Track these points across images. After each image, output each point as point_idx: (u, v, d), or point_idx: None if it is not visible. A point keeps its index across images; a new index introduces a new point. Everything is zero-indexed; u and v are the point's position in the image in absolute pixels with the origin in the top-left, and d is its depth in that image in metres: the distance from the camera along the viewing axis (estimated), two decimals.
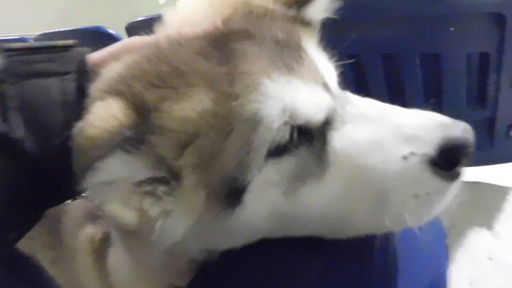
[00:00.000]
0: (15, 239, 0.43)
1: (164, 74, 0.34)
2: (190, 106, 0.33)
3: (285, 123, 0.34)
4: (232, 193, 0.34)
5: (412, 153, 0.34)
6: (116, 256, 0.54)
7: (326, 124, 0.36)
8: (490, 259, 1.19)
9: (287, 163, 0.35)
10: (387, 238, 0.39)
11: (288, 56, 0.37)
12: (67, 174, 0.33)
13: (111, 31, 1.58)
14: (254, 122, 0.33)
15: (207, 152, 0.33)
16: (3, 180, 0.36)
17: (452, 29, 0.86)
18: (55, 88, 0.38)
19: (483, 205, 1.32)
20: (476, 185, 1.36)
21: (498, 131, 1.06)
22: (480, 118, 1.07)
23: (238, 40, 0.37)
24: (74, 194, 0.46)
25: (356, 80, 0.99)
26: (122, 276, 0.52)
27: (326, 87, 0.38)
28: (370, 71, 1.06)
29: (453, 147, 0.34)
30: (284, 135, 0.34)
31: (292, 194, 0.36)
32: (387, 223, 0.35)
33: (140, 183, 0.35)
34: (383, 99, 0.39)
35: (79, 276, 0.60)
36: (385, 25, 0.93)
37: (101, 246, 0.56)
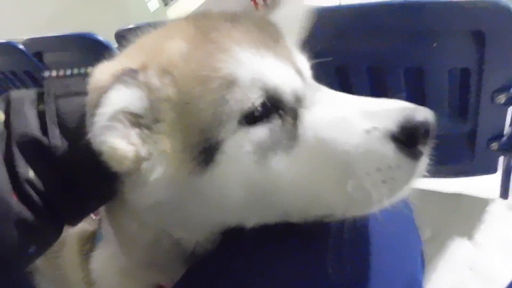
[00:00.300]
0: (35, 255, 0.46)
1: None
2: (174, 48, 0.40)
3: (258, 89, 0.38)
4: (206, 150, 0.37)
5: (375, 128, 0.37)
6: (100, 261, 0.55)
7: (297, 102, 0.40)
8: (470, 269, 1.21)
9: (259, 132, 0.38)
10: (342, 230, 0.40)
11: (266, 36, 0.42)
12: (92, 179, 0.40)
13: (100, 38, 1.58)
14: (229, 81, 0.37)
15: (185, 94, 0.38)
16: (38, 187, 0.42)
17: (435, 44, 0.89)
18: (83, 103, 0.44)
19: (464, 216, 1.35)
20: (457, 197, 1.39)
21: (478, 144, 1.09)
22: (461, 131, 1.11)
23: (219, 21, 0.43)
24: (94, 207, 0.50)
25: (343, 91, 1.01)
26: (106, 281, 0.53)
27: (298, 72, 0.42)
28: (356, 83, 1.09)
29: (414, 126, 0.37)
30: (256, 102, 0.37)
31: (264, 164, 0.38)
32: (354, 197, 0.37)
33: (135, 116, 0.39)
34: None
35: (64, 268, 0.61)
36: (371, 39, 0.96)
37: (87, 247, 0.58)
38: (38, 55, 1.95)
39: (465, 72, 0.95)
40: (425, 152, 0.38)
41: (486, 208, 1.34)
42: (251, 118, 0.38)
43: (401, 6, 0.90)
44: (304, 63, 0.45)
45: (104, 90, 0.37)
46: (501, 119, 1.03)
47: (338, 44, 0.95)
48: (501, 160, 1.13)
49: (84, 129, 0.37)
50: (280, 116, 0.39)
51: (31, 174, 0.42)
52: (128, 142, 0.39)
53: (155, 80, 0.39)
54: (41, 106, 0.45)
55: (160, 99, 0.39)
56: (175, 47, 0.41)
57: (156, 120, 0.39)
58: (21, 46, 1.97)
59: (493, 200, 1.34)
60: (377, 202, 0.37)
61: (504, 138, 1.05)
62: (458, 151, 1.15)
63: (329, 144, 0.38)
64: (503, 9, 0.83)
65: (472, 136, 1.08)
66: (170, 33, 0.44)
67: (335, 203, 0.39)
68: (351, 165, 0.37)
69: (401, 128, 0.37)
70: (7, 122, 0.44)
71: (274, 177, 0.38)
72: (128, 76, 0.39)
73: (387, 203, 0.38)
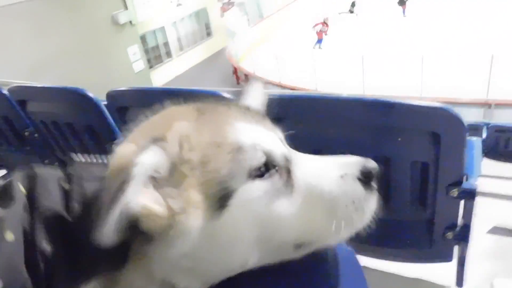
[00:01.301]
0: None
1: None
2: (183, 125, 0.50)
3: (260, 151, 0.49)
4: (222, 197, 0.47)
5: (346, 174, 0.53)
6: None
7: (287, 162, 0.52)
8: None
9: (264, 183, 0.49)
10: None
11: (253, 114, 0.55)
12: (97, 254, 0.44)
13: (91, 95, 1.63)
14: (237, 146, 0.49)
15: (205, 156, 0.48)
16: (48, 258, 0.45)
17: (399, 139, 1.02)
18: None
19: None
20: (416, 281, 1.44)
21: (436, 232, 1.18)
22: (421, 218, 1.20)
23: (215, 105, 0.55)
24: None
25: None
26: None
27: (281, 140, 0.55)
28: None
29: (368, 170, 0.53)
30: (260, 161, 0.49)
31: (270, 206, 0.50)
32: (340, 224, 0.51)
33: (163, 177, 0.46)
34: None
35: None
36: (345, 128, 1.08)
37: None
38: (22, 102, 1.96)
39: (425, 166, 1.07)
40: (375, 187, 0.54)
41: None
42: (256, 173, 0.49)
43: (372, 103, 1.05)
44: (281, 135, 0.58)
45: (130, 160, 0.43)
46: (455, 211, 1.13)
47: (316, 129, 1.06)
48: (456, 249, 1.21)
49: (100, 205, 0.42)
50: (277, 171, 0.51)
51: (47, 246, 0.45)
52: (159, 201, 0.45)
53: (175, 147, 0.48)
54: (66, 185, 0.51)
55: (182, 161, 0.48)
56: (184, 125, 0.50)
57: (181, 179, 0.47)
58: (5, 91, 1.98)
59: (449, 287, 1.40)
60: (356, 224, 0.52)
61: (458, 229, 1.15)
62: (418, 237, 1.23)
63: (318, 188, 0.52)
64: (453, 116, 0.99)
65: (430, 224, 1.17)
66: (173, 116, 0.53)
67: (327, 230, 0.52)
68: (335, 200, 0.52)
69: (361, 172, 0.52)
70: (30, 195, 0.48)
71: (279, 216, 0.50)
72: (153, 143, 0.46)
73: (360, 225, 0.53)
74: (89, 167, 0.58)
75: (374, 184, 0.53)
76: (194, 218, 0.46)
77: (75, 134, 1.73)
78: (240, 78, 12.87)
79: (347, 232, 0.53)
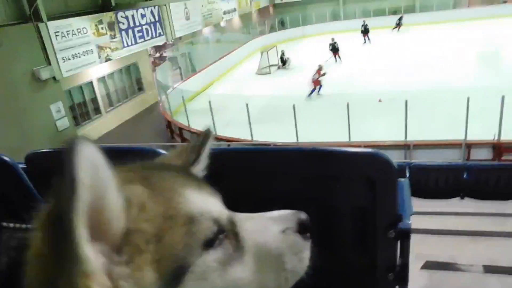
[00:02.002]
0: None
1: None
2: (138, 190, 0.47)
3: (210, 220, 0.49)
4: (177, 274, 0.45)
5: (286, 228, 0.57)
6: None
7: (232, 225, 0.54)
8: None
9: (217, 252, 0.49)
10: None
11: (195, 180, 0.56)
12: None
13: (7, 159, 1.48)
14: (189, 218, 0.48)
15: (159, 229, 0.45)
16: None
17: (338, 186, 1.05)
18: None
19: None
20: None
21: (378, 275, 1.20)
22: (363, 262, 1.22)
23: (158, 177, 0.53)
24: None
25: None
26: None
27: (222, 203, 0.56)
28: None
29: (303, 222, 0.59)
30: (212, 232, 0.49)
31: (224, 273, 0.50)
32: (288, 275, 0.56)
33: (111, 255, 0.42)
34: None
35: None
36: (284, 179, 1.09)
37: None
38: None
39: (364, 211, 1.11)
40: (309, 237, 0.60)
41: None
42: (209, 244, 0.49)
43: (309, 152, 1.08)
44: (219, 197, 0.58)
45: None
46: (393, 251, 1.17)
47: (257, 182, 1.06)
48: None
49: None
50: (226, 237, 0.52)
51: None
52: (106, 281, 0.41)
53: (134, 211, 0.44)
54: None
55: (138, 230, 0.44)
56: (139, 190, 0.47)
57: (134, 255, 0.43)
58: None
59: None
60: (300, 271, 0.58)
61: (397, 269, 1.18)
62: (363, 281, 1.24)
63: (266, 247, 0.55)
64: (385, 160, 1.05)
65: (373, 268, 1.20)
66: (122, 179, 0.47)
67: (278, 282, 0.56)
68: (282, 255, 0.56)
69: (297, 225, 0.58)
70: None
71: (235, 282, 0.51)
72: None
73: (302, 273, 0.58)
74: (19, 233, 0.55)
75: (308, 235, 0.59)
76: None
77: None
78: (174, 132, 12.77)
79: (293, 281, 0.58)
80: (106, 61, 12.56)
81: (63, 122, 11.06)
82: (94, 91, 13.57)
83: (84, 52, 11.50)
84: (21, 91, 9.73)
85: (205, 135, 0.67)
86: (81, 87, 12.90)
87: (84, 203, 0.37)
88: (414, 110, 9.00)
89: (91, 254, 0.38)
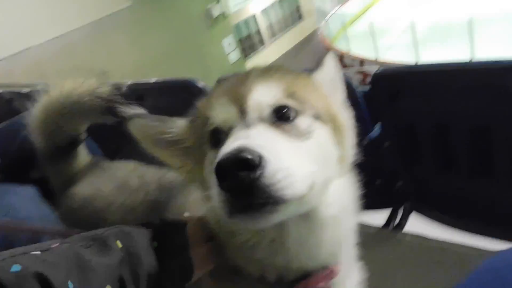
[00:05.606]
0: None
1: None
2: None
3: (215, 124, 0.65)
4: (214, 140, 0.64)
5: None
6: None
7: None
8: None
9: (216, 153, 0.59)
10: None
11: (242, 85, 0.66)
12: None
13: (201, 85, 1.72)
14: (205, 119, 0.67)
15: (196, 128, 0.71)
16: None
17: None
18: None
19: None
20: None
21: None
22: None
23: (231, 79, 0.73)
24: None
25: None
26: None
27: (242, 112, 0.63)
28: (423, 140, 1.15)
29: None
30: (216, 131, 0.64)
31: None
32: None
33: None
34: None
35: None
36: (438, 98, 1.04)
37: None
38: (140, 98, 2.19)
39: None
40: None
41: None
42: (215, 143, 0.64)
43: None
44: (260, 103, 0.64)
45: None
46: None
47: (438, 101, 1.01)
48: None
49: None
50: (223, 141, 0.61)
51: None
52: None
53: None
54: (155, 243, 0.64)
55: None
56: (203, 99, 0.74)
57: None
58: (125, 89, 2.23)
59: None
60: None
61: None
62: None
63: None
64: None
65: None
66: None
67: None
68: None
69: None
70: (125, 250, 0.59)
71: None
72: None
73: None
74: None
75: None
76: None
77: None
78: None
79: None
80: None
81: (235, 55, 12.17)
82: (257, 24, 14.24)
83: None
84: (198, 29, 10.98)
85: None
86: (246, 21, 13.71)
87: None
88: None
89: None
